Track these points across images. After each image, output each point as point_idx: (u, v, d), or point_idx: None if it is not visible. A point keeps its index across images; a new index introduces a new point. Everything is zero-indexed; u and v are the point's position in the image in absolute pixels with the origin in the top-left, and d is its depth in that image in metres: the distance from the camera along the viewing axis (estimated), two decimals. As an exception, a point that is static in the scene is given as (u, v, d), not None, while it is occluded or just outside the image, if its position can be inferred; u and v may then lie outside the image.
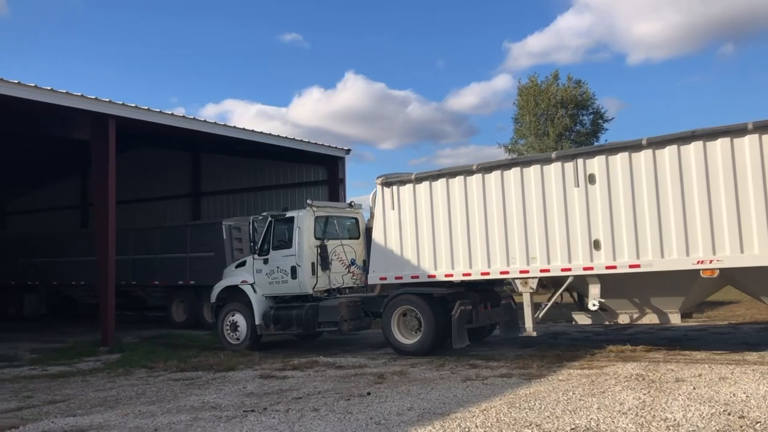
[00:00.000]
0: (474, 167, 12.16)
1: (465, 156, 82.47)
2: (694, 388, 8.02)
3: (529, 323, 11.76)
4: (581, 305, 12.18)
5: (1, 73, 13.61)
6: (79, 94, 15.15)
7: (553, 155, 11.42)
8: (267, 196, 23.50)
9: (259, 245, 14.25)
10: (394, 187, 13.07)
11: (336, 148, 21.96)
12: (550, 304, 11.91)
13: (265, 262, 14.10)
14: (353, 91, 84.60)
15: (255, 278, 14.25)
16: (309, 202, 14.22)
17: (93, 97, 15.40)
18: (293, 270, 13.70)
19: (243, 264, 14.74)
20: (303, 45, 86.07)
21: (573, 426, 6.55)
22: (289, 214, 14.14)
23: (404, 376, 9.98)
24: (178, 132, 18.47)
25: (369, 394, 8.66)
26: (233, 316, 14.39)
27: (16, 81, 14.01)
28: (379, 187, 13.30)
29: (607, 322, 11.94)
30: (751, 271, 9.80)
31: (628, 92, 70.95)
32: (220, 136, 19.04)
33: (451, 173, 12.46)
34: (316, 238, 13.87)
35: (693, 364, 9.89)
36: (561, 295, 11.72)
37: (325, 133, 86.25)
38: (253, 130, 19.78)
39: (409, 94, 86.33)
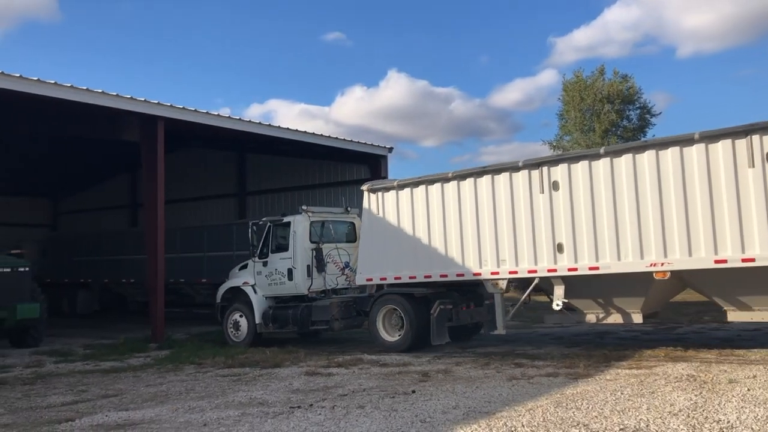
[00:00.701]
0: (449, 175, 12.85)
1: (509, 153, 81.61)
2: (749, 390, 7.80)
3: (500, 322, 12.36)
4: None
5: (55, 76, 14.08)
6: (129, 96, 15.53)
7: (520, 163, 11.97)
8: (311, 195, 23.67)
9: (259, 249, 15.08)
10: (379, 194, 13.80)
11: (378, 146, 22.01)
12: (518, 304, 12.47)
13: (265, 264, 15.01)
14: (396, 89, 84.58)
15: (255, 280, 15.13)
16: (304, 207, 15.03)
17: (142, 99, 15.77)
18: (290, 272, 14.59)
19: (245, 266, 15.57)
20: (346, 44, 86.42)
21: (622, 426, 6.45)
22: (286, 220, 14.98)
23: (449, 375, 9.96)
24: (224, 132, 18.77)
25: (414, 392, 8.67)
26: (235, 315, 15.26)
27: (69, 84, 14.45)
28: (365, 194, 14.04)
29: (578, 322, 12.50)
30: (699, 273, 10.37)
31: (677, 86, 69.29)
32: (264, 135, 19.28)
33: (429, 180, 13.15)
34: (312, 242, 14.71)
35: (747, 364, 9.62)
36: (529, 296, 12.32)
37: (368, 131, 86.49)
38: (296, 130, 19.96)
39: (452, 91, 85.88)
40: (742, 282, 10.16)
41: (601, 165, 11.06)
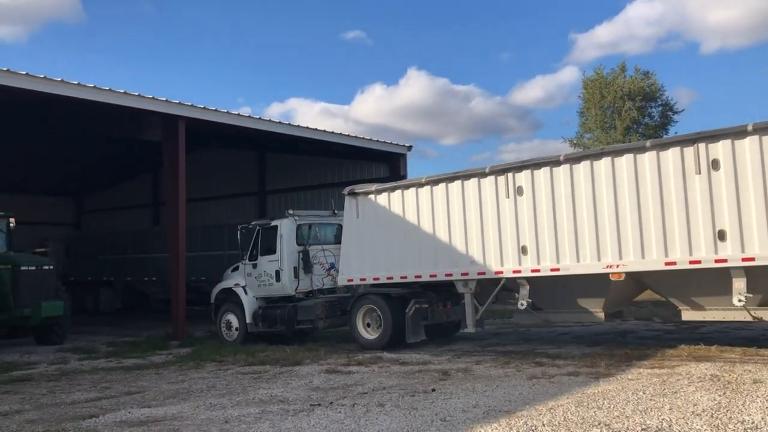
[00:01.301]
0: (423, 180, 13.40)
1: (529, 151, 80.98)
2: (774, 390, 7.70)
3: (470, 321, 12.80)
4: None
5: (78, 77, 14.26)
6: (151, 96, 15.69)
7: (487, 169, 12.49)
8: (330, 193, 23.66)
9: (248, 251, 15.65)
10: (359, 198, 14.27)
11: (397, 145, 22.02)
12: (486, 304, 12.85)
13: (254, 266, 15.55)
14: (416, 87, 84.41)
15: (246, 281, 15.70)
16: (290, 211, 15.53)
17: (164, 99, 15.93)
18: (277, 273, 15.12)
19: (237, 268, 16.11)
20: (366, 42, 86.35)
21: (644, 426, 6.39)
22: (273, 223, 15.52)
23: (469, 374, 9.94)
24: (245, 131, 18.89)
25: (434, 390, 8.67)
26: (228, 315, 15.84)
27: (92, 85, 14.63)
28: (346, 198, 14.49)
29: (544, 320, 13.04)
30: (652, 274, 10.92)
31: (701, 83, 68.27)
32: (284, 135, 19.37)
33: (405, 186, 13.75)
34: (299, 244, 15.20)
35: (772, 364, 9.49)
36: (496, 295, 12.75)
37: (387, 130, 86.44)
38: (316, 129, 20.03)
39: (473, 89, 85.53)
40: (693, 283, 10.61)
41: (562, 171, 11.56)
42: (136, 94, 15.43)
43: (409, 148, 22.23)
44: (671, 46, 67.52)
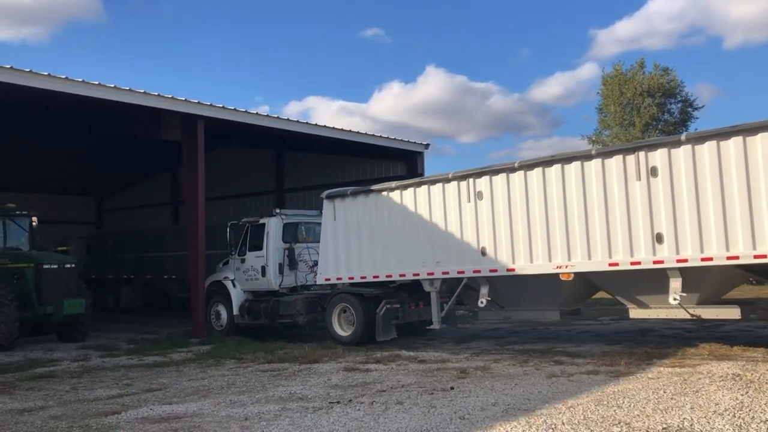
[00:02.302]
0: (393, 185, 14.14)
1: (548, 148, 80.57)
2: (797, 389, 7.61)
3: (435, 318, 13.51)
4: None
5: (99, 77, 14.44)
6: (170, 96, 15.80)
7: (450, 175, 13.16)
8: (348, 191, 23.78)
9: (238, 247, 16.54)
10: (336, 201, 14.89)
11: (415, 143, 22.00)
12: (451, 302, 13.60)
13: (243, 261, 16.49)
14: (434, 84, 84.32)
15: (235, 275, 16.64)
16: (277, 210, 16.45)
17: (183, 98, 16.03)
18: (263, 269, 15.99)
19: (227, 262, 16.99)
20: (385, 40, 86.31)
21: (665, 425, 6.35)
22: (261, 221, 16.33)
23: (487, 372, 9.93)
24: (263, 130, 18.95)
25: (452, 388, 8.67)
26: (218, 306, 16.84)
27: (112, 85, 14.77)
28: (324, 201, 15.09)
29: (505, 318, 13.80)
30: (598, 275, 11.54)
31: (723, 78, 67.48)
32: (302, 133, 19.42)
33: (378, 190, 14.34)
34: (284, 242, 16.01)
35: (795, 364, 9.38)
36: (459, 295, 13.41)
37: (405, 127, 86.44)
38: (333, 128, 20.07)
39: (491, 86, 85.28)
40: (636, 282, 11.18)
41: (517, 177, 12.21)
42: (156, 93, 15.56)
43: (427, 146, 22.21)
44: (693, 42, 66.80)
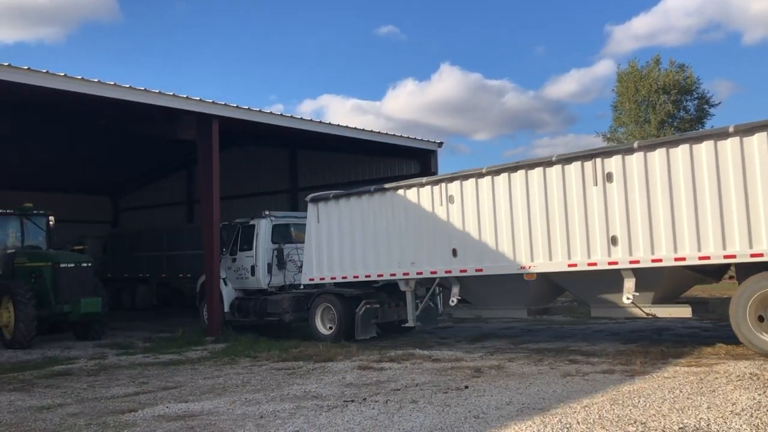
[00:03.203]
0: (372, 189, 14.74)
1: (563, 145, 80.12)
2: (815, 389, 7.54)
3: (410, 317, 14.17)
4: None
5: (115, 77, 14.55)
6: (185, 96, 15.89)
7: (424, 180, 13.98)
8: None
9: (230, 247, 17.07)
10: (320, 204, 15.47)
11: (428, 141, 21.96)
12: (425, 301, 14.33)
13: (234, 260, 17.06)
14: (448, 82, 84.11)
15: (227, 274, 17.12)
16: (266, 212, 16.84)
17: (198, 98, 16.11)
18: (252, 268, 16.56)
19: (220, 261, 17.18)
20: (399, 37, 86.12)
21: (681, 425, 6.31)
22: (252, 222, 16.88)
23: (502, 371, 9.91)
24: (277, 130, 19.02)
25: (467, 387, 8.67)
26: None
27: (127, 85, 14.88)
28: (309, 204, 15.63)
29: (476, 315, 14.60)
30: (559, 275, 12.11)
31: (742, 74, 66.74)
32: (316, 132, 19.46)
33: (357, 194, 14.99)
34: (273, 243, 16.53)
35: (813, 363, 9.28)
36: (440, 292, 14.28)
37: (419, 126, 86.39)
38: (347, 126, 20.09)
39: (506, 84, 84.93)
40: (594, 283, 11.76)
41: (485, 182, 12.81)
42: (171, 93, 15.65)
43: (440, 144, 22.17)
44: (711, 37, 66.16)
